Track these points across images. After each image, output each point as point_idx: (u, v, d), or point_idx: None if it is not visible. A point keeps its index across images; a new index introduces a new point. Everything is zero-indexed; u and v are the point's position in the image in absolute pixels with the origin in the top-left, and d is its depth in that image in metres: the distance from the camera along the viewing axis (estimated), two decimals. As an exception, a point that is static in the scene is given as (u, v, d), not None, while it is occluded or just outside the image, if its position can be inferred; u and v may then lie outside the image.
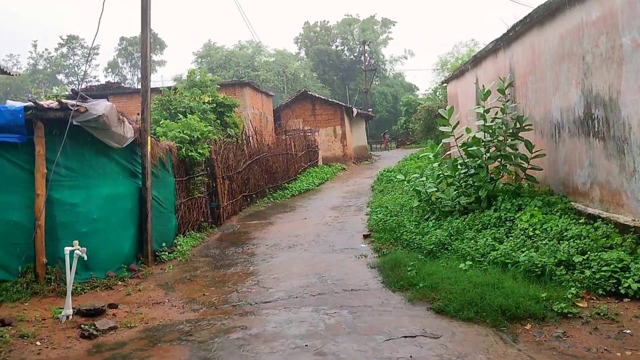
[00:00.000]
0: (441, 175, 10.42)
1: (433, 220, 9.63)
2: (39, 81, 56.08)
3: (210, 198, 12.98)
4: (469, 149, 9.69)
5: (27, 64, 63.99)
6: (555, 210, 8.07)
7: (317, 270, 8.17)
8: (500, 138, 9.35)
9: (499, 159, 9.38)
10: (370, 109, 47.71)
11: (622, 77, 6.69)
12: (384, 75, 70.08)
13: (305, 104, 31.79)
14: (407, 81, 73.17)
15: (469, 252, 7.40)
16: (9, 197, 7.59)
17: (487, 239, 7.62)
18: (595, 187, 7.60)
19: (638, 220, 6.47)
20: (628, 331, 4.93)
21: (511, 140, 9.32)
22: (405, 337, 5.25)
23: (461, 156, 10.02)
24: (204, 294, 7.41)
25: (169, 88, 16.92)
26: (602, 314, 5.28)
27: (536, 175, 9.47)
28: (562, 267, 6.20)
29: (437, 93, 42.66)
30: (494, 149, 9.51)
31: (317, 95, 33.23)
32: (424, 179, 11.01)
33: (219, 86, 18.05)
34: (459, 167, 10.05)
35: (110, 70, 62.82)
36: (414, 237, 8.93)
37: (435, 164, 10.76)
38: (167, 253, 9.66)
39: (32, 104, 7.72)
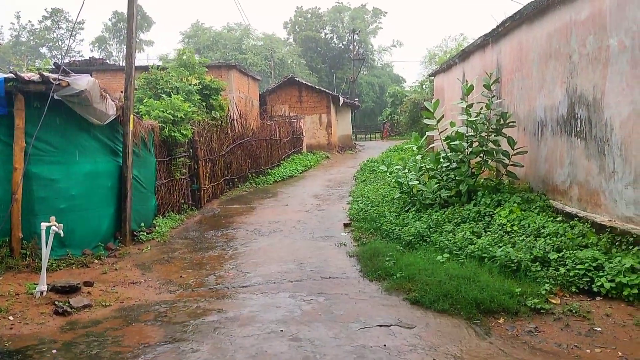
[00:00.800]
0: (423, 168, 10.47)
1: (413, 212, 9.69)
2: (21, 53, 54.88)
3: (192, 180, 12.89)
4: (451, 143, 9.76)
5: (10, 35, 62.72)
6: (534, 207, 8.17)
7: (296, 257, 8.18)
8: (483, 134, 9.41)
9: (481, 154, 9.45)
10: (357, 99, 47.70)
11: (607, 78, 6.76)
12: (372, 65, 70.06)
13: (291, 90, 31.64)
14: (394, 72, 73.31)
15: (447, 245, 7.46)
16: (-15, 170, 7.45)
17: (465, 233, 7.69)
18: (574, 187, 7.71)
19: (614, 221, 6.58)
20: (598, 329, 5.03)
21: (494, 136, 9.39)
22: (380, 326, 5.29)
23: (444, 150, 10.08)
24: (181, 276, 7.38)
25: (158, 67, 16.68)
26: (574, 311, 5.37)
27: (517, 172, 9.57)
28: (537, 263, 6.29)
29: (424, 86, 42.73)
30: (476, 144, 9.57)
31: (304, 82, 33.08)
32: (406, 170, 11.05)
33: (206, 69, 17.85)
34: (441, 160, 10.11)
35: (97, 45, 61.75)
36: (393, 228, 8.97)
37: (418, 157, 10.81)
38: (145, 233, 9.58)
39: (13, 75, 7.56)
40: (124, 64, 12.33)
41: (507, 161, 9.36)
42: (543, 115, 8.83)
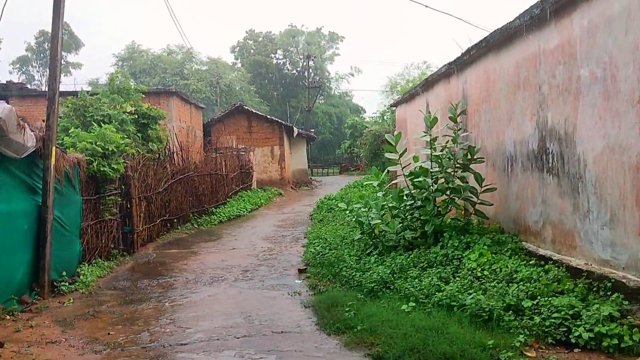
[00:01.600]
0: (386, 206, 10.58)
1: (375, 256, 9.73)
2: None
3: (123, 221, 12.63)
4: (415, 179, 9.92)
5: None
6: (506, 249, 8.34)
7: (244, 309, 8.04)
8: (449, 169, 9.62)
9: (448, 192, 9.64)
10: (313, 130, 48.19)
11: (579, 110, 7.05)
12: (329, 94, 71.24)
13: (240, 120, 31.71)
14: (353, 102, 74.66)
15: (412, 292, 7.49)
16: None
17: (432, 279, 7.75)
18: (547, 227, 7.92)
19: (590, 264, 6.77)
20: (577, 384, 5.10)
21: (461, 172, 9.61)
22: (339, 387, 5.22)
23: (407, 186, 10.23)
24: (108, 333, 7.12)
25: (88, 92, 16.43)
26: (551, 365, 5.44)
27: (486, 211, 9.78)
28: (510, 312, 6.38)
29: (386, 117, 43.64)
30: (442, 180, 9.77)
31: (254, 111, 33.26)
32: (367, 209, 11.14)
33: (143, 95, 17.72)
34: (404, 198, 10.24)
35: (19, 66, 60.30)
36: (354, 274, 8.97)
37: (380, 194, 10.93)
38: (67, 284, 9.27)
39: None
40: (47, 90, 12.12)
41: (475, 199, 9.57)
42: (513, 149, 9.12)
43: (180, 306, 8.39)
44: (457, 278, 7.70)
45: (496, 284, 7.08)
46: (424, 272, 8.23)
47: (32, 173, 8.93)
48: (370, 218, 10.66)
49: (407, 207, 10.17)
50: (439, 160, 9.72)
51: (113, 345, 6.67)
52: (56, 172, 9.20)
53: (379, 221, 10.34)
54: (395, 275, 8.44)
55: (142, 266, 11.54)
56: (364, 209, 11.18)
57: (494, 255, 8.10)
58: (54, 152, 9.08)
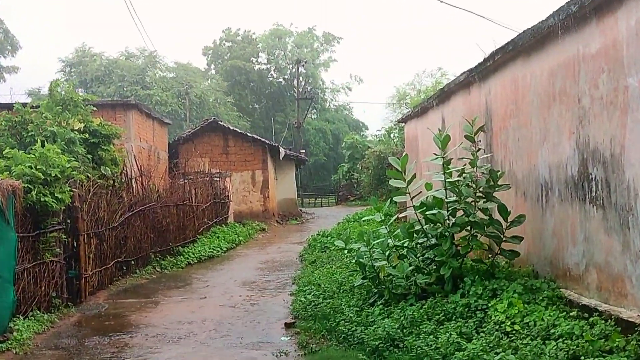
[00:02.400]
0: (392, 245, 10.56)
1: (380, 306, 9.70)
2: None
3: (69, 264, 12.54)
4: (428, 212, 9.91)
5: None
6: (541, 298, 8.30)
7: (217, 373, 7.97)
8: (469, 199, 9.63)
9: (468, 227, 9.63)
10: (304, 151, 48.32)
11: (627, 128, 7.07)
12: (323, 107, 71.72)
13: (214, 138, 31.75)
14: (353, 117, 75.04)
15: (426, 352, 7.44)
16: None
17: (451, 335, 7.71)
18: (591, 270, 7.91)
19: (645, 316, 6.74)
20: None
21: (483, 202, 9.62)
22: None
23: (418, 220, 10.22)
24: (48, 405, 7.03)
25: (24, 105, 16.43)
26: None
27: (516, 249, 9.77)
28: (548, 376, 6.34)
29: (392, 135, 43.91)
30: (460, 212, 9.77)
31: (231, 128, 33.31)
32: (370, 248, 11.11)
33: (94, 108, 17.72)
34: (415, 235, 10.23)
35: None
36: (354, 329, 8.92)
37: (385, 229, 10.91)
38: (-3, 342, 9.17)
39: None
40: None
41: (501, 236, 9.56)
42: (547, 175, 9.15)
43: (137, 370, 8.31)
44: (482, 334, 7.66)
45: (529, 342, 7.04)
46: (441, 327, 8.19)
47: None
48: (373, 259, 10.63)
49: (419, 246, 10.15)
50: (456, 189, 9.73)
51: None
52: (-14, 203, 9.17)
53: (385, 263, 10.32)
54: (405, 330, 8.39)
55: (91, 320, 11.43)
56: (367, 248, 11.16)
57: (526, 305, 8.07)
58: (-17, 179, 9.06)
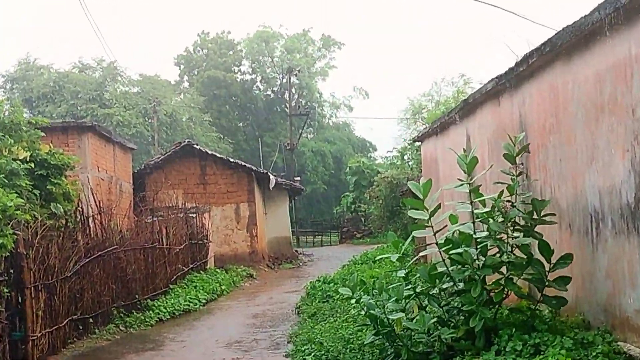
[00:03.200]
0: (411, 292, 10.52)
1: (397, 369, 9.64)
2: None
3: (12, 323, 12.47)
4: (453, 250, 9.87)
5: None
6: (594, 354, 8.24)
7: None
8: (503, 235, 9.59)
9: (502, 269, 9.59)
10: (299, 178, 48.38)
11: (692, 144, 7.11)
12: (322, 124, 71.87)
13: (189, 165, 31.78)
14: (357, 135, 74.99)
15: None
16: None
17: (485, 403, 7.68)
18: (655, 318, 7.88)
19: None
20: None
21: (522, 237, 9.58)
22: None
23: (443, 261, 10.18)
24: None
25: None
26: None
27: (562, 295, 9.73)
28: None
29: (407, 156, 43.91)
30: (494, 250, 9.74)
31: (209, 152, 33.32)
32: (383, 297, 11.10)
33: (42, 133, 17.76)
34: (438, 279, 10.19)
35: None
36: (365, 398, 8.89)
37: (402, 273, 10.88)
38: None
39: None
40: None
41: (544, 279, 9.53)
42: (598, 202, 9.12)
43: None
44: (523, 401, 7.63)
45: (581, 410, 7.02)
46: (472, 393, 8.16)
47: None
48: (387, 310, 10.58)
49: (443, 293, 10.11)
50: (488, 221, 9.69)
51: None
52: None
53: (401, 315, 10.26)
54: (428, 398, 8.36)
55: (42, 392, 11.36)
56: (379, 298, 11.14)
57: (576, 363, 8.04)
58: None
